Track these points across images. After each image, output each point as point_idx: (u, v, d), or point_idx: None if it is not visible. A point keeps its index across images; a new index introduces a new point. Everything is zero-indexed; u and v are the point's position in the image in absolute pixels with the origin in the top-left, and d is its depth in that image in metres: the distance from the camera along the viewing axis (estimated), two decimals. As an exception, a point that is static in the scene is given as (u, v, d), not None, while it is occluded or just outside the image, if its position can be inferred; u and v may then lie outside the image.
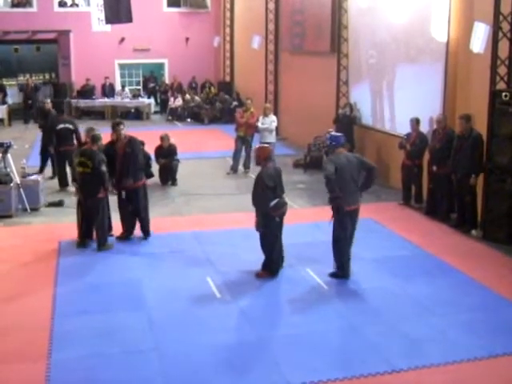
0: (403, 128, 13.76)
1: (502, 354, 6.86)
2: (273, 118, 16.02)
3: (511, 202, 10.38)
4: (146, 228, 10.77)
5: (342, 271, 9.03)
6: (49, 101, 16.15)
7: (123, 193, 10.55)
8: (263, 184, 8.88)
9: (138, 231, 10.81)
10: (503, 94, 10.30)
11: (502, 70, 10.57)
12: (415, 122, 12.53)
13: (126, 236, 10.74)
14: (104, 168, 9.99)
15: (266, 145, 9.59)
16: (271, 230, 9.05)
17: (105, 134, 11.01)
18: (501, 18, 10.47)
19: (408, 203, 12.74)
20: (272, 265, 9.15)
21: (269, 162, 9.12)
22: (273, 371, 6.50)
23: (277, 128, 16.94)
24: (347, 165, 8.75)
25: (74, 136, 14.27)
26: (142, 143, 14.03)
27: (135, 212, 10.64)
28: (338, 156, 8.85)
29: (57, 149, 14.35)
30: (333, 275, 9.06)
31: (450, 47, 12.23)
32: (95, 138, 10.21)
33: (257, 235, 10.31)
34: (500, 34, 10.50)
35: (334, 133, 9.41)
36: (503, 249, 10.16)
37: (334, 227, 8.95)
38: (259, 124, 15.80)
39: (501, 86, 10.59)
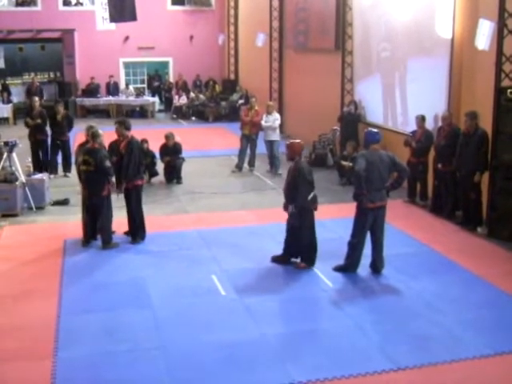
0: (408, 125, 13.75)
1: (508, 351, 6.83)
2: (276, 115, 16.01)
3: (517, 199, 10.37)
4: (135, 230, 10.56)
5: (349, 265, 9.08)
6: (36, 99, 16.16)
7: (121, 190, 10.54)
8: (304, 178, 9.04)
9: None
10: (508, 91, 10.27)
11: (507, 67, 10.54)
12: (421, 120, 12.50)
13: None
14: (108, 163, 9.97)
15: (297, 140, 9.64)
16: (309, 222, 9.20)
17: (110, 133, 11.01)
18: (506, 14, 10.43)
19: (413, 200, 12.72)
20: (312, 253, 9.30)
21: (302, 157, 9.33)
22: (278, 369, 6.50)
23: (281, 126, 16.93)
24: (378, 162, 8.77)
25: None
26: (145, 141, 14.07)
27: (128, 211, 10.57)
28: (371, 152, 8.88)
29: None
30: (337, 268, 9.11)
31: (454, 44, 12.19)
32: (95, 135, 10.18)
33: (262, 233, 10.34)
34: (505, 31, 10.47)
35: (371, 129, 9.40)
36: (509, 246, 10.14)
37: (353, 223, 9.03)
38: (263, 122, 15.81)
39: (506, 83, 10.55)
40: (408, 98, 14.17)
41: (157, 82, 29.06)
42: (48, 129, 15.47)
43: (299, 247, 9.38)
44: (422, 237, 10.64)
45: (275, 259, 9.53)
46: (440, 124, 12.11)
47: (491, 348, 6.89)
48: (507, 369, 6.57)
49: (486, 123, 10.71)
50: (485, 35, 10.88)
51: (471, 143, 10.77)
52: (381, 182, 8.81)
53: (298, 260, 9.43)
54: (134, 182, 10.38)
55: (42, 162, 15.29)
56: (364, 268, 9.20)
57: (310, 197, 9.14)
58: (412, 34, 13.72)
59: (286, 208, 9.37)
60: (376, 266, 9.10)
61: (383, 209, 8.97)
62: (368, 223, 8.93)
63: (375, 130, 9.23)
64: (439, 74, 12.61)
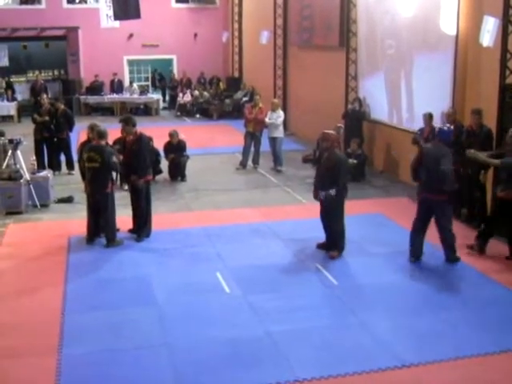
0: (413, 123, 13.73)
1: (512, 348, 6.85)
2: (280, 113, 16.01)
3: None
4: (141, 227, 10.57)
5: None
6: (44, 96, 16.39)
7: (129, 187, 10.66)
8: (345, 166, 9.49)
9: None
10: (513, 87, 10.26)
11: (512, 64, 10.53)
12: (428, 117, 12.38)
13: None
14: (115, 159, 10.00)
15: (330, 131, 10.02)
16: (341, 210, 9.49)
17: (115, 130, 11.03)
18: (510, 11, 10.41)
19: None
20: (342, 241, 9.59)
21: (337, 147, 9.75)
22: (282, 366, 6.50)
23: (285, 123, 16.91)
24: (429, 156, 9.09)
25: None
26: (150, 139, 14.06)
27: (135, 208, 10.58)
28: (430, 146, 9.38)
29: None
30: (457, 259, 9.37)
31: (459, 41, 12.17)
32: (101, 134, 10.17)
33: (266, 230, 10.31)
34: (510, 28, 10.45)
35: (445, 127, 9.52)
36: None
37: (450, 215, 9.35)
38: (267, 119, 15.83)
39: (510, 79, 10.53)
40: (413, 95, 14.15)
41: (158, 80, 29.31)
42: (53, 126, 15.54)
43: (331, 235, 9.64)
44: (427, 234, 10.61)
45: (320, 246, 9.87)
46: (444, 121, 12.08)
47: (496, 345, 6.88)
48: (512, 366, 6.57)
49: (491, 120, 10.68)
50: (489, 32, 10.85)
51: (476, 141, 10.71)
52: (428, 175, 9.06)
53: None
54: (145, 178, 10.44)
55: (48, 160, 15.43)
56: (368, 266, 9.22)
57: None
58: (416, 30, 13.69)
59: (316, 196, 9.67)
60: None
61: (435, 203, 9.12)
62: (420, 212, 9.32)
63: (446, 129, 9.38)
64: (444, 71, 12.58)
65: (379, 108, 15.65)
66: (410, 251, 9.43)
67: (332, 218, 9.55)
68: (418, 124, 12.98)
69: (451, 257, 9.30)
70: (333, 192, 9.29)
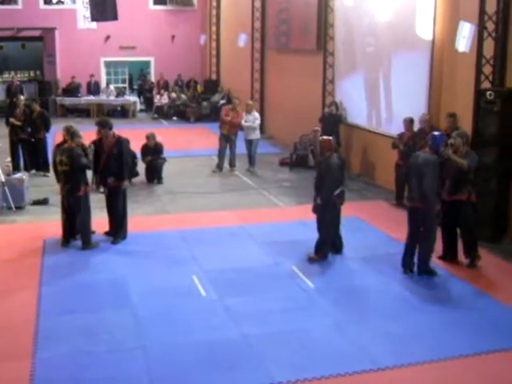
0: (389, 127, 13.80)
1: (486, 351, 6.88)
2: (256, 115, 16.04)
3: (496, 201, 10.44)
4: (118, 230, 10.55)
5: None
6: (22, 98, 16.20)
7: (105, 190, 10.53)
8: (332, 173, 9.38)
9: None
10: (488, 93, 10.34)
11: (487, 69, 10.62)
12: (409, 122, 12.40)
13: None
14: (84, 161, 9.90)
15: (329, 137, 9.97)
16: (332, 215, 9.51)
17: (91, 132, 10.96)
18: (486, 17, 10.51)
19: (401, 203, 12.56)
20: (325, 247, 9.57)
21: (334, 153, 9.62)
22: (258, 369, 6.50)
23: (263, 126, 16.93)
24: (416, 163, 8.97)
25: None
26: (127, 141, 14.01)
27: (112, 211, 10.55)
28: (419, 153, 9.16)
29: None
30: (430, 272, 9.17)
31: (435, 46, 12.26)
32: (74, 135, 10.10)
33: (242, 233, 10.30)
34: (485, 34, 10.55)
35: (437, 133, 9.39)
36: (488, 247, 10.21)
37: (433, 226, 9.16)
38: (243, 122, 15.84)
39: (486, 85, 10.64)
40: (389, 100, 14.23)
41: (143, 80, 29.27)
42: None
43: (318, 240, 9.66)
44: (402, 237, 10.65)
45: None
46: (418, 126, 12.15)
47: (471, 348, 6.93)
48: (486, 368, 6.61)
49: (466, 125, 10.77)
50: (465, 37, 10.95)
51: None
52: (417, 183, 8.86)
53: None
54: (124, 181, 10.42)
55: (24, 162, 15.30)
56: (344, 269, 9.25)
57: (336, 192, 9.39)
58: (393, 35, 13.77)
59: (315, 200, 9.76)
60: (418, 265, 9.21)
61: (421, 211, 8.88)
62: (409, 220, 9.12)
63: (438, 135, 9.19)
64: (420, 76, 12.66)
65: (356, 112, 15.72)
66: (402, 262, 9.24)
67: (320, 225, 9.59)
68: (394, 128, 13.04)
69: (422, 268, 9.11)
70: (318, 200, 9.49)
